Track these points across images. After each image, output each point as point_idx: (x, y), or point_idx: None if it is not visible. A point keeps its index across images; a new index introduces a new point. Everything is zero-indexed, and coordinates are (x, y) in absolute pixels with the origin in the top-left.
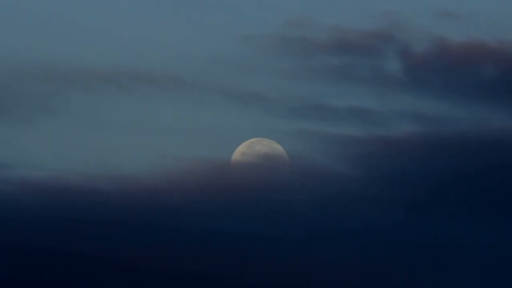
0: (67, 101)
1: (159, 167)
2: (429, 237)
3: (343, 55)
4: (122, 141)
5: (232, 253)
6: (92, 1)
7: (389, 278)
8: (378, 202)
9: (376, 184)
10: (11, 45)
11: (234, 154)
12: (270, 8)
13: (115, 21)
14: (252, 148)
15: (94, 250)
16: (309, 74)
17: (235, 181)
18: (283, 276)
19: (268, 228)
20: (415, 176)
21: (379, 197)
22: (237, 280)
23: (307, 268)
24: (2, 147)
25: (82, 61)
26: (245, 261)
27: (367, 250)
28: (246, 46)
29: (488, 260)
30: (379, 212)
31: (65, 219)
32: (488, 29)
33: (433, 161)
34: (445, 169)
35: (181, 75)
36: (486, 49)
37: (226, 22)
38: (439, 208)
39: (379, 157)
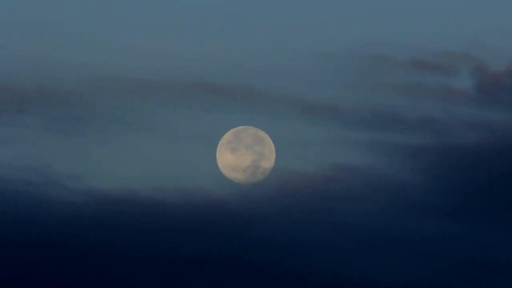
0: (143, 114)
1: (230, 180)
2: (498, 247)
3: (418, 73)
4: (196, 154)
5: (294, 262)
6: (167, 17)
7: None
8: (447, 212)
9: (446, 194)
10: (89, 58)
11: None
12: (348, 26)
13: (192, 36)
14: (238, 136)
15: (163, 259)
16: (383, 89)
17: (303, 192)
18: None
19: (332, 238)
20: (485, 186)
21: (449, 207)
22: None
23: (363, 277)
24: (74, 159)
25: (158, 74)
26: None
27: (430, 260)
28: (322, 61)
29: None
30: (446, 222)
31: (132, 229)
32: None
33: (504, 171)
34: None
35: (258, 88)
36: None
37: (304, 38)
38: (509, 219)
39: (450, 167)
